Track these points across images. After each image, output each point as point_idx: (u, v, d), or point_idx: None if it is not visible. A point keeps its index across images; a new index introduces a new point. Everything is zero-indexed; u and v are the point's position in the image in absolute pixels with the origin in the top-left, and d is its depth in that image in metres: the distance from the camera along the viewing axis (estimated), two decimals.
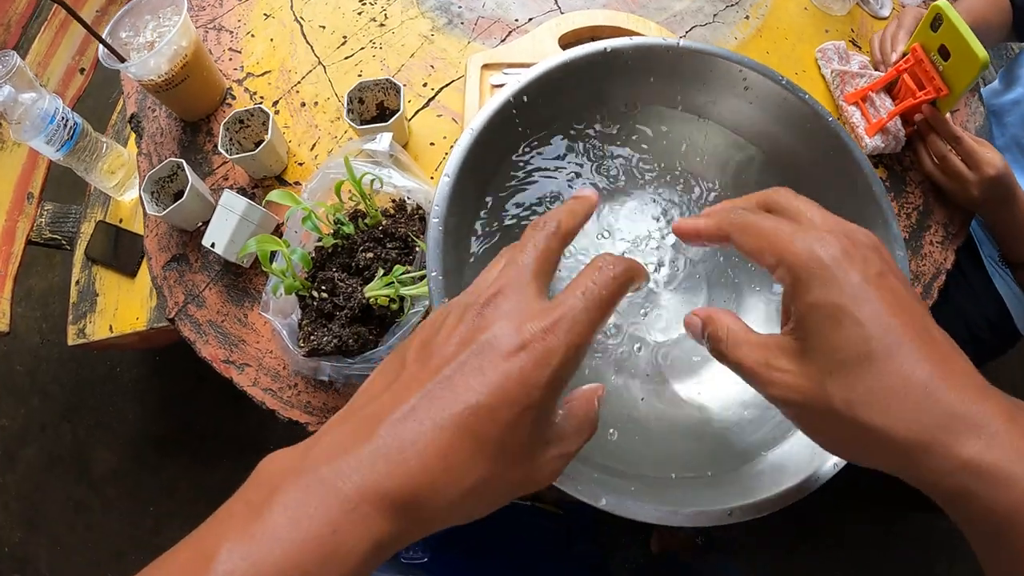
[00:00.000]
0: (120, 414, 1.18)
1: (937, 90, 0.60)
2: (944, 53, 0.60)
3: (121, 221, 0.95)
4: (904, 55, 0.65)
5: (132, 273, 0.93)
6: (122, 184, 0.89)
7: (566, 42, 0.65)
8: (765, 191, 0.31)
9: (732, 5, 0.73)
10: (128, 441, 1.17)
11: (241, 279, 0.58)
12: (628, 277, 0.26)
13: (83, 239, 0.97)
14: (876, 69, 0.70)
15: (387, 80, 0.55)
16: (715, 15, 0.72)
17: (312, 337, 0.48)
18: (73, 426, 1.18)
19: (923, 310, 0.25)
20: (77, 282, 0.95)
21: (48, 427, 1.18)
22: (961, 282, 0.84)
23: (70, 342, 0.91)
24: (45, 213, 0.99)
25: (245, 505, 0.21)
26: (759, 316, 0.48)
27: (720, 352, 0.28)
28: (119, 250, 0.94)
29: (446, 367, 0.23)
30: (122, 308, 0.91)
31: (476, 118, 0.42)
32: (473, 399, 0.22)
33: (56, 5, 1.08)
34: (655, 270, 0.51)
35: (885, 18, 0.78)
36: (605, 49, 0.47)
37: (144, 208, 0.57)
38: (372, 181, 0.48)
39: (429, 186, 0.49)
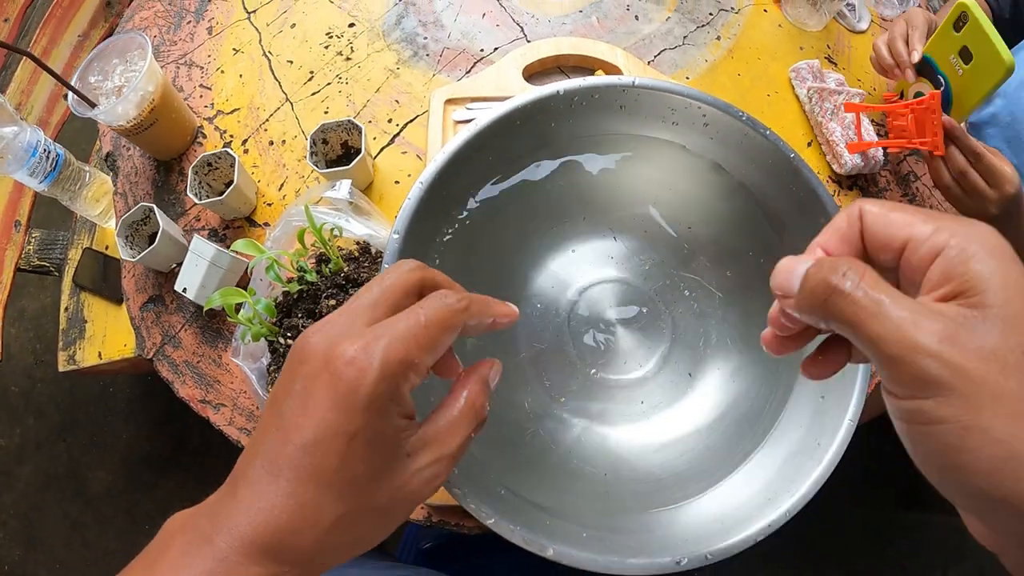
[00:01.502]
0: (114, 433, 1.20)
1: (935, 147, 0.57)
2: (966, 56, 0.58)
3: (107, 248, 0.96)
4: (923, 58, 0.62)
5: (119, 300, 0.94)
6: (107, 212, 0.90)
7: (531, 72, 0.65)
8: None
9: (703, 26, 0.73)
10: (123, 460, 1.18)
11: (215, 320, 0.58)
12: (464, 306, 0.26)
13: (71, 265, 0.98)
14: (883, 75, 0.67)
15: (348, 121, 0.56)
16: (685, 37, 0.72)
17: None
18: (68, 445, 1.20)
19: None
20: (66, 308, 0.96)
21: (44, 446, 1.20)
22: None
23: (61, 368, 0.92)
24: (33, 240, 1.00)
25: (144, 560, 0.25)
26: (723, 374, 0.48)
27: (845, 303, 0.20)
28: (107, 277, 0.95)
29: (282, 406, 0.24)
30: (110, 335, 0.92)
31: (426, 170, 0.43)
32: (299, 439, 0.23)
33: (39, 30, 1.08)
34: (618, 304, 0.51)
35: (863, 31, 0.77)
36: (557, 92, 0.47)
37: (119, 252, 0.58)
38: (331, 229, 0.48)
39: (387, 231, 0.50)
